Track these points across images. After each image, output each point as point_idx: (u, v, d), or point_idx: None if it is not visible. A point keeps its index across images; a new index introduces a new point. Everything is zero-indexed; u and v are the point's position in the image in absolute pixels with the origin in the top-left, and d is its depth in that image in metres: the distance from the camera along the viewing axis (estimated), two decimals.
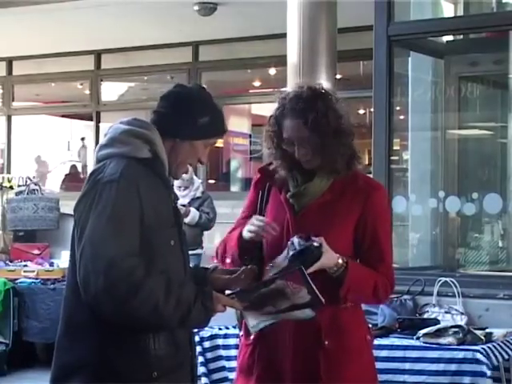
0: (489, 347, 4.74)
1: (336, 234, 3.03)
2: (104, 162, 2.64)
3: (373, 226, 3.11)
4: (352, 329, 3.12)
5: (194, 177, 8.52)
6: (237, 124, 14.74)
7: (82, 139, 17.09)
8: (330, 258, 2.96)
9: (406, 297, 5.59)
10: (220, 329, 5.41)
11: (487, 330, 4.98)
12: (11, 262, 8.30)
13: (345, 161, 3.11)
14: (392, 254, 3.25)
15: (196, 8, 11.07)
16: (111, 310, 2.46)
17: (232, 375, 5.26)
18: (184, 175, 9.87)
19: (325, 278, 2.96)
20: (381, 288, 3.12)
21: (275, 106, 3.17)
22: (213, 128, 2.77)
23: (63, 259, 8.14)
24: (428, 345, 4.81)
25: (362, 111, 14.23)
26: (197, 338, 5.41)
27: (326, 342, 3.05)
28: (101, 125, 14.52)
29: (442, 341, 4.78)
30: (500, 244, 7.34)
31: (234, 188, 13.42)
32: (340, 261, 2.98)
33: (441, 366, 4.72)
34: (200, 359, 5.38)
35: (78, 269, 2.50)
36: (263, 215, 3.15)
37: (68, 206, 8.69)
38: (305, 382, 3.06)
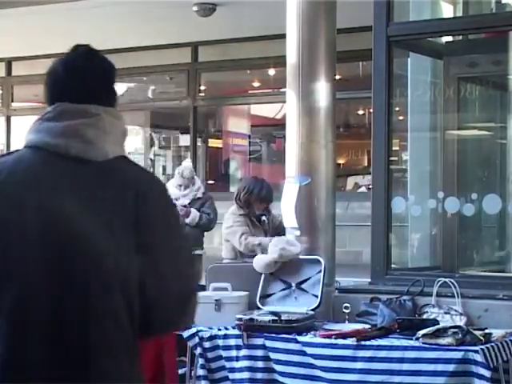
0: (488, 348, 4.74)
1: None
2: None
3: None
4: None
5: (196, 177, 8.48)
6: (236, 125, 14.75)
7: None
8: None
9: (405, 297, 5.60)
10: (219, 329, 5.42)
11: (486, 331, 4.98)
12: None
13: None
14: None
15: (195, 9, 11.08)
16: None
17: (232, 375, 5.28)
18: (185, 173, 9.79)
19: None
20: None
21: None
22: None
23: None
24: (427, 345, 4.81)
25: (361, 112, 14.24)
26: (196, 339, 5.42)
27: None
28: None
29: (441, 341, 4.78)
30: (499, 245, 7.34)
31: (234, 188, 13.39)
32: None
33: (439, 367, 4.73)
34: (200, 360, 5.40)
35: None
36: None
37: None
38: None
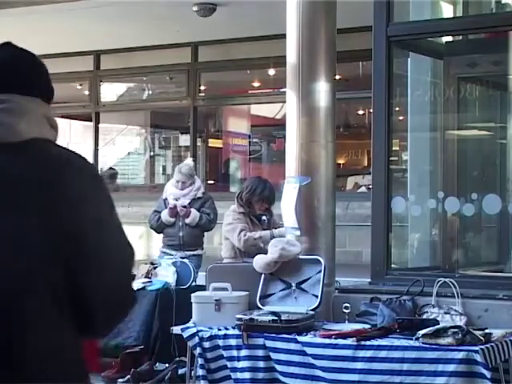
0: (488, 348, 4.74)
1: None
2: None
3: None
4: None
5: (196, 177, 8.46)
6: (236, 125, 14.75)
7: None
8: None
9: (405, 297, 5.59)
10: (219, 329, 5.42)
11: (486, 331, 4.98)
12: None
13: None
14: None
15: (195, 9, 11.09)
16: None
17: (234, 375, 5.28)
18: (183, 169, 9.76)
19: None
20: None
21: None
22: None
23: None
24: (427, 345, 4.81)
25: (361, 112, 14.24)
26: (196, 339, 5.42)
27: None
28: (100, 126, 14.52)
29: (442, 341, 4.78)
30: (499, 245, 7.34)
31: (234, 188, 13.43)
32: None
33: (439, 367, 4.73)
34: (200, 360, 5.39)
35: None
36: None
37: None
38: None
